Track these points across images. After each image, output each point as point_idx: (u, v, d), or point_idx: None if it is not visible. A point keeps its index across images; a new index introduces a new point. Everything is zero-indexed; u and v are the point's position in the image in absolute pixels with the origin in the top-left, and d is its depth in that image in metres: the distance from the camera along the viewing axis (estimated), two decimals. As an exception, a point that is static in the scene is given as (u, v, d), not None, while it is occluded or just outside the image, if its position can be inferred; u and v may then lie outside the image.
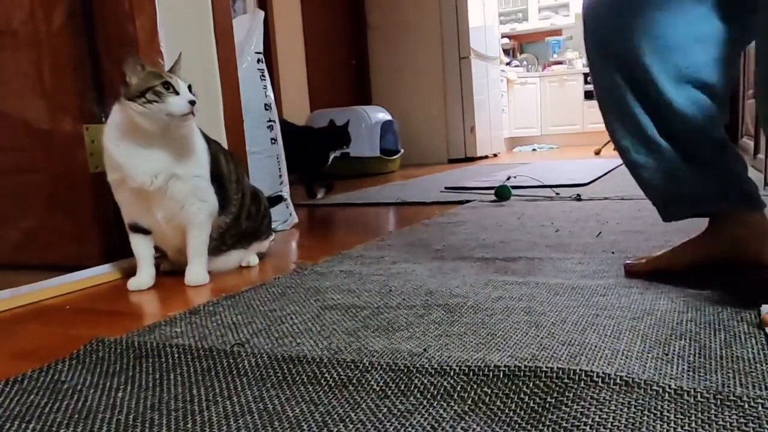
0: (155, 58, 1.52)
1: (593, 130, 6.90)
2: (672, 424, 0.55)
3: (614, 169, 3.31)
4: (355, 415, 0.61)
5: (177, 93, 1.17)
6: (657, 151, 1.01)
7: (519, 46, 7.95)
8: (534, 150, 6.99)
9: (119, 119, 1.20)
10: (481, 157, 5.57)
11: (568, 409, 0.59)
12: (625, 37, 0.98)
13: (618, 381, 0.62)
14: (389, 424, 0.59)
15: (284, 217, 2.02)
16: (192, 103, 1.17)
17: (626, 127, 1.03)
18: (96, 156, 1.53)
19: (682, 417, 0.56)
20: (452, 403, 0.63)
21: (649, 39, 0.96)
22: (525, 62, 7.78)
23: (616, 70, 1.00)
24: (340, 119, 2.98)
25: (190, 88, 1.20)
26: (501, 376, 0.67)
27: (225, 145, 1.80)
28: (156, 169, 1.21)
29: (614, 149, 1.12)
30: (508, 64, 7.40)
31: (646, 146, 1.02)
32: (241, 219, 1.39)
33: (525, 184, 2.72)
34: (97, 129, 1.54)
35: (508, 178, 2.78)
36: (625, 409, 0.58)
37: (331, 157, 2.91)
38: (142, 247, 1.29)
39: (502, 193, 2.37)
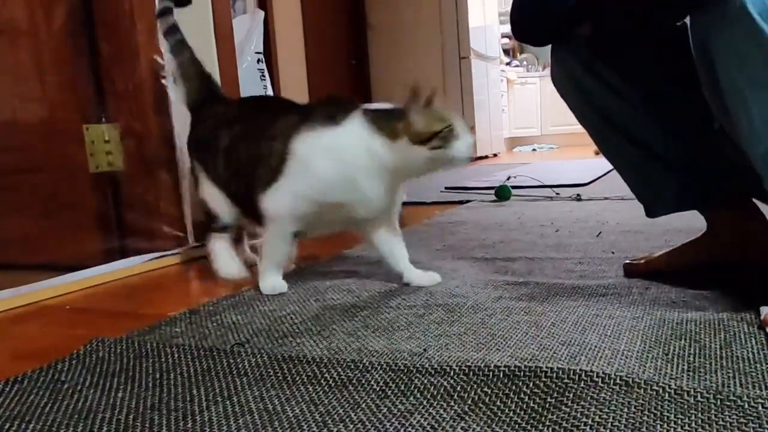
0: (155, 58, 1.52)
1: (593, 130, 6.89)
2: (672, 424, 0.55)
3: (614, 169, 3.30)
4: (355, 415, 0.61)
5: (457, 137, 1.05)
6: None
7: (519, 46, 7.95)
8: (534, 150, 6.99)
9: (381, 153, 1.05)
10: (481, 157, 5.56)
11: (568, 409, 0.59)
12: None
13: (618, 381, 0.62)
14: (389, 424, 0.59)
15: (284, 217, 2.01)
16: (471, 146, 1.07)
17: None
18: (96, 156, 1.53)
19: (682, 417, 0.56)
20: (452, 403, 0.63)
21: None
22: (525, 62, 7.77)
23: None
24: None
25: None
26: (501, 376, 0.67)
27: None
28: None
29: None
30: (508, 64, 7.39)
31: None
32: None
33: (525, 184, 2.72)
34: (97, 129, 1.54)
35: (508, 178, 2.78)
36: (625, 409, 0.58)
37: None
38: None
39: (502, 193, 2.37)
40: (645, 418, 0.56)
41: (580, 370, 0.64)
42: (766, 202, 1.02)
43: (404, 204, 1.23)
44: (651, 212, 1.10)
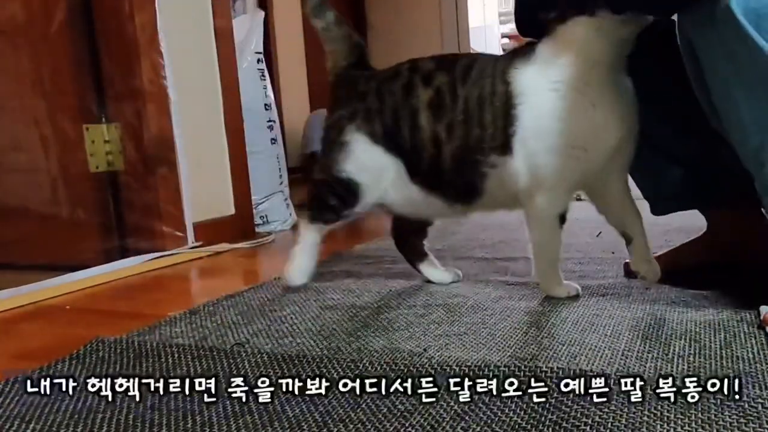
0: (155, 58, 1.52)
1: (593, 130, 6.89)
2: (672, 424, 0.55)
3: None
4: (355, 415, 0.61)
5: None
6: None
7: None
8: (534, 150, 6.97)
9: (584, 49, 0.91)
10: (481, 157, 5.56)
11: (568, 409, 0.59)
12: None
13: (618, 381, 0.62)
14: (389, 424, 0.59)
15: (284, 217, 2.02)
16: None
17: None
18: (96, 156, 1.53)
19: (682, 417, 0.56)
20: (452, 403, 0.62)
21: None
22: (525, 62, 7.77)
23: None
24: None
25: None
26: (501, 376, 0.66)
27: (225, 146, 1.80)
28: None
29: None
30: (508, 64, 7.38)
31: None
32: None
33: (525, 184, 2.71)
34: (97, 129, 1.54)
35: (508, 178, 2.78)
36: (625, 409, 0.58)
37: None
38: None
39: (502, 193, 2.37)
40: (645, 418, 0.56)
41: (580, 370, 0.64)
42: (764, 207, 1.02)
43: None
44: (654, 209, 1.11)
